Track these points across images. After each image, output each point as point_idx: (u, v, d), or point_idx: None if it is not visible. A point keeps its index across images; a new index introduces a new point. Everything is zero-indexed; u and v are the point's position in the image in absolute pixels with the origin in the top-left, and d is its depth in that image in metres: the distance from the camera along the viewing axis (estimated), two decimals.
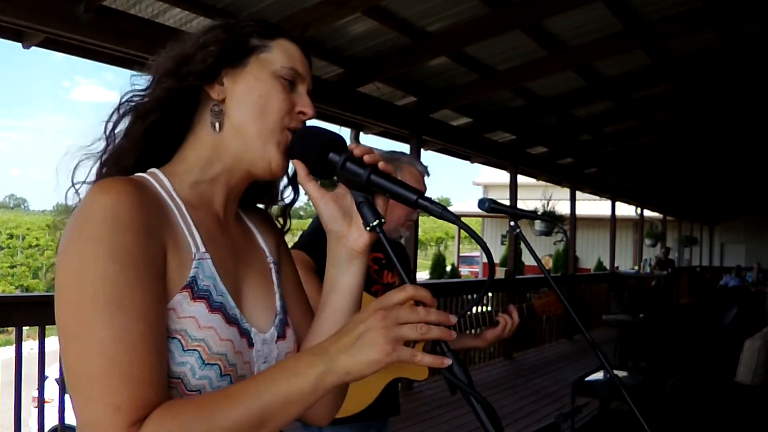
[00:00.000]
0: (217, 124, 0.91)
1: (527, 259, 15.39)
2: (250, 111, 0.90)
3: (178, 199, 0.88)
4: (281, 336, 0.95)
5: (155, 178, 0.89)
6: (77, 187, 0.90)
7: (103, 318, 0.74)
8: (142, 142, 0.90)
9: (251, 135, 0.90)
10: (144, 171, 0.90)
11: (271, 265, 1.01)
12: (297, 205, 1.08)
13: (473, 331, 2.24)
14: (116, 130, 0.92)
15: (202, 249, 0.87)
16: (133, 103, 0.92)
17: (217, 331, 0.83)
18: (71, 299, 0.76)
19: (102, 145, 0.92)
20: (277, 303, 0.98)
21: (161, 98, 0.90)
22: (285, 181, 1.03)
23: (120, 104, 0.92)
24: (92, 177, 0.91)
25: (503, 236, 22.28)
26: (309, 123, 0.97)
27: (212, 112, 0.91)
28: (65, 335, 0.76)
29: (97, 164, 0.91)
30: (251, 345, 0.89)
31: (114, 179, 0.83)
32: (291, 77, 0.93)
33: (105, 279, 0.74)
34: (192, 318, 0.82)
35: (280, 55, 0.93)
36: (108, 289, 0.74)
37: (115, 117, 0.92)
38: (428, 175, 2.13)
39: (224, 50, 0.91)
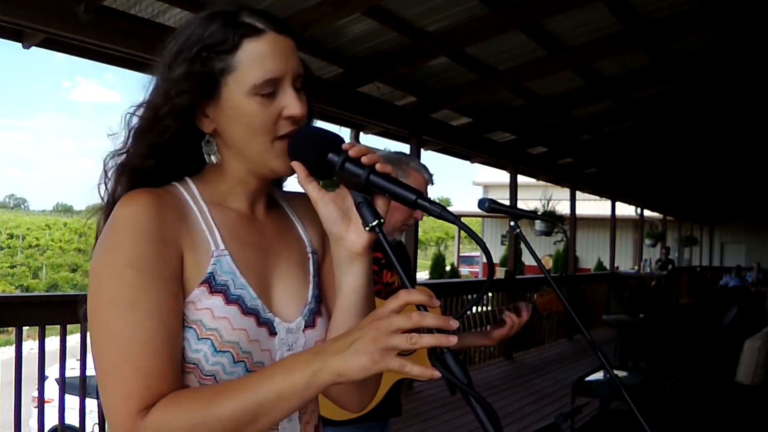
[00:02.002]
0: (212, 158, 0.95)
1: (527, 259, 15.40)
2: (239, 137, 0.92)
3: (202, 202, 0.94)
4: (310, 325, 0.97)
5: (184, 185, 0.95)
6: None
7: (119, 317, 0.82)
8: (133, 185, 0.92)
9: (249, 156, 0.93)
10: (179, 178, 0.96)
11: (309, 255, 1.03)
12: None
13: (479, 329, 2.24)
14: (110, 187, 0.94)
15: (222, 247, 0.92)
16: (120, 163, 0.93)
17: (231, 321, 0.88)
18: (95, 299, 0.85)
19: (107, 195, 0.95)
20: (310, 293, 1.00)
21: (148, 154, 0.92)
22: None
23: (104, 170, 0.94)
24: None
25: (503, 236, 22.28)
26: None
27: (205, 145, 0.95)
28: (92, 331, 0.85)
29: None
30: (273, 334, 0.93)
31: (136, 192, 0.89)
32: (267, 89, 0.89)
33: (121, 282, 0.83)
34: (208, 310, 0.88)
35: (248, 67, 0.88)
36: (124, 291, 0.83)
37: (104, 181, 0.94)
38: (432, 183, 2.11)
39: (192, 94, 0.89)
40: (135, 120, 0.93)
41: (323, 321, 1.00)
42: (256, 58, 0.88)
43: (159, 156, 0.92)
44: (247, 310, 0.90)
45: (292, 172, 0.93)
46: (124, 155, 0.93)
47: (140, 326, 0.82)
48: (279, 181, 1.08)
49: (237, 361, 0.88)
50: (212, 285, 0.89)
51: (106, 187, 0.94)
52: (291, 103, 0.90)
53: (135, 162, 0.92)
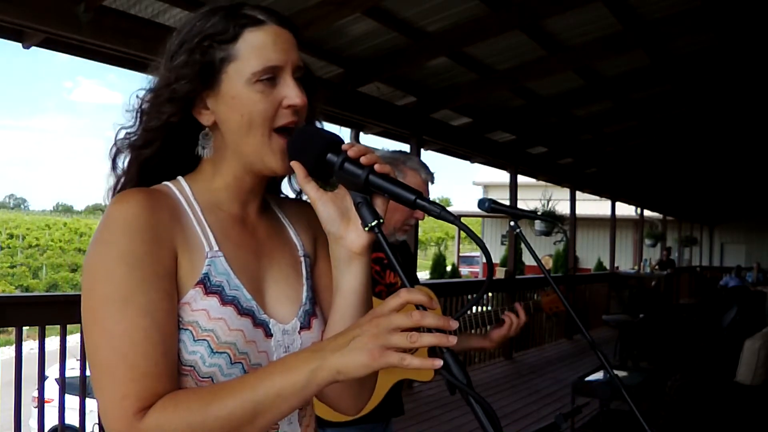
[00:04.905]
0: (204, 151, 0.95)
1: (527, 259, 15.40)
2: (238, 130, 0.92)
3: (195, 203, 0.94)
4: (305, 326, 0.98)
5: (177, 185, 0.95)
6: None
7: (112, 314, 0.81)
8: (139, 174, 0.95)
9: (246, 151, 0.92)
10: (172, 178, 0.96)
11: (302, 259, 1.03)
12: None
13: (479, 330, 2.23)
14: (119, 164, 0.96)
15: (215, 248, 0.91)
16: (126, 140, 0.95)
17: (227, 321, 0.88)
18: (88, 297, 0.84)
19: (113, 179, 0.97)
20: (304, 294, 1.00)
21: (148, 139, 0.93)
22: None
23: (114, 141, 0.96)
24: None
25: (503, 236, 22.27)
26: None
27: (202, 138, 0.95)
28: (84, 330, 0.84)
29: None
30: (269, 335, 0.93)
31: (130, 190, 0.90)
32: (267, 75, 0.90)
33: (115, 279, 0.82)
34: (204, 311, 0.87)
35: (248, 57, 0.90)
36: (117, 288, 0.82)
37: (113, 152, 0.96)
38: (432, 182, 2.10)
39: (191, 82, 0.90)
40: (142, 104, 0.95)
41: (319, 323, 1.00)
42: (257, 47, 0.90)
43: (158, 143, 0.93)
44: (242, 311, 0.90)
45: (286, 171, 0.93)
46: (131, 134, 0.94)
47: (134, 324, 0.81)
48: (274, 184, 1.07)
49: (234, 362, 0.87)
50: (207, 286, 0.88)
51: (113, 160, 0.95)
52: (291, 93, 0.91)
53: (137, 142, 0.93)
